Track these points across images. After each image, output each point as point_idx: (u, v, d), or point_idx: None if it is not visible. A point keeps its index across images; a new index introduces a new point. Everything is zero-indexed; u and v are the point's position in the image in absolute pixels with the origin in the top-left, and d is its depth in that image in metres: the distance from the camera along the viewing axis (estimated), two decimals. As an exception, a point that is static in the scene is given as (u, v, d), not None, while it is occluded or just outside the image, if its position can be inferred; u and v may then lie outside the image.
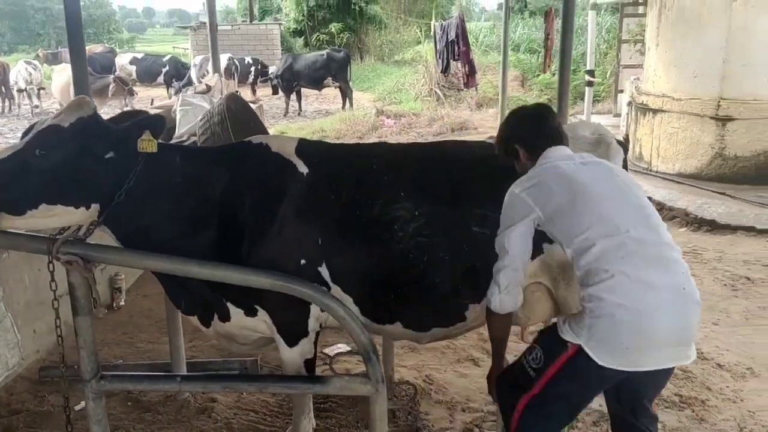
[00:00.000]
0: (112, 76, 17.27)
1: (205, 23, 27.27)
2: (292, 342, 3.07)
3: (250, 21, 29.39)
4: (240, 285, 2.78)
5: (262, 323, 3.06)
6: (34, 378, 4.30)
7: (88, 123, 2.76)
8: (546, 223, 2.57)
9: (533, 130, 2.79)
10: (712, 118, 8.59)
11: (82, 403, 3.97)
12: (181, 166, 2.96)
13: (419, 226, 2.97)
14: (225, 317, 3.08)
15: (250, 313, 3.03)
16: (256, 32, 26.65)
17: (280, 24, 27.87)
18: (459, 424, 3.83)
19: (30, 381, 4.27)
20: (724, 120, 8.52)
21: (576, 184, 2.54)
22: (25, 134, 2.81)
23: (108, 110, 16.77)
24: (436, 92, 17.27)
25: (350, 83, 18.17)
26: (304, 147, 3.13)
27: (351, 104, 18.08)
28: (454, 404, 4.03)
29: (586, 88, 12.04)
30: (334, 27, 29.05)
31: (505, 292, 2.65)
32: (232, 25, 27.37)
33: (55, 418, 3.85)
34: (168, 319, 3.94)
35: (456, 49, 13.83)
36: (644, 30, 11.21)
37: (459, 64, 14.95)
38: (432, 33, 15.77)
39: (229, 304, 3.04)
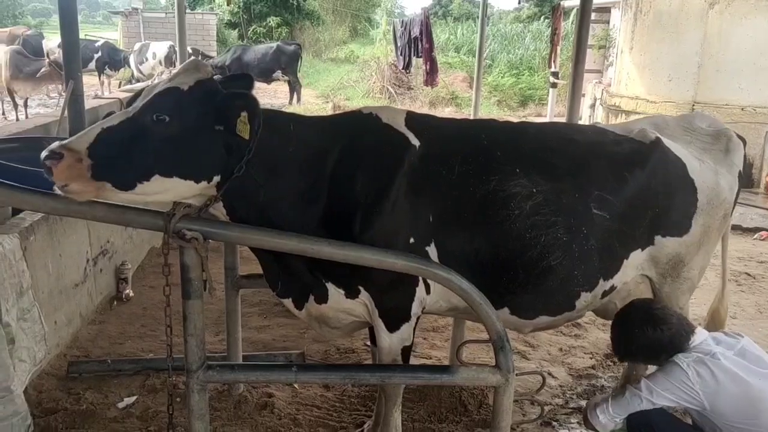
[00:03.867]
0: (46, 60, 16.18)
1: (137, 9, 26.30)
2: (393, 326, 2.87)
3: (178, 10, 28.34)
4: (349, 264, 2.55)
5: (361, 306, 2.85)
6: (61, 374, 3.88)
7: (209, 87, 2.47)
8: (706, 410, 2.65)
9: (662, 338, 2.76)
10: (686, 121, 8.90)
11: (126, 400, 3.67)
12: (295, 136, 2.71)
13: (537, 204, 2.83)
14: (322, 299, 2.86)
15: (352, 294, 2.82)
16: (191, 21, 25.67)
17: (216, 14, 27.05)
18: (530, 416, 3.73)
19: (57, 377, 3.84)
20: (697, 123, 8.85)
21: (752, 390, 2.59)
22: (130, 103, 2.50)
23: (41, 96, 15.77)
24: (388, 89, 17.18)
25: (299, 78, 17.81)
26: (413, 119, 2.93)
27: (299, 99, 17.73)
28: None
29: (550, 90, 12.27)
30: (272, 21, 28.48)
31: (614, 423, 2.84)
32: (166, 13, 26.30)
33: (97, 417, 3.48)
34: (227, 311, 3.65)
35: (419, 46, 13.78)
36: (609, 35, 11.53)
37: (420, 61, 14.89)
38: (390, 29, 15.64)
39: (329, 285, 2.82)
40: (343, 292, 2.83)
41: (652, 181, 3.03)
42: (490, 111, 16.55)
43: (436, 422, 3.60)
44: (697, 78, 8.88)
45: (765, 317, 5.26)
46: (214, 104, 2.43)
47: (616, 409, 2.78)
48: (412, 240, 2.75)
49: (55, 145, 2.25)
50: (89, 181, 2.27)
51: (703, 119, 3.43)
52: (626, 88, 9.82)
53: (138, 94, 2.53)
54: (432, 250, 2.79)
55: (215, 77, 2.58)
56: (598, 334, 4.74)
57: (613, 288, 3.13)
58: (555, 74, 11.84)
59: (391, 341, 2.90)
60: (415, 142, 2.82)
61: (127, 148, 2.32)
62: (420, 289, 2.84)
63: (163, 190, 2.43)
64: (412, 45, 14.19)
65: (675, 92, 9.07)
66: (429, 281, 2.85)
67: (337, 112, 14.73)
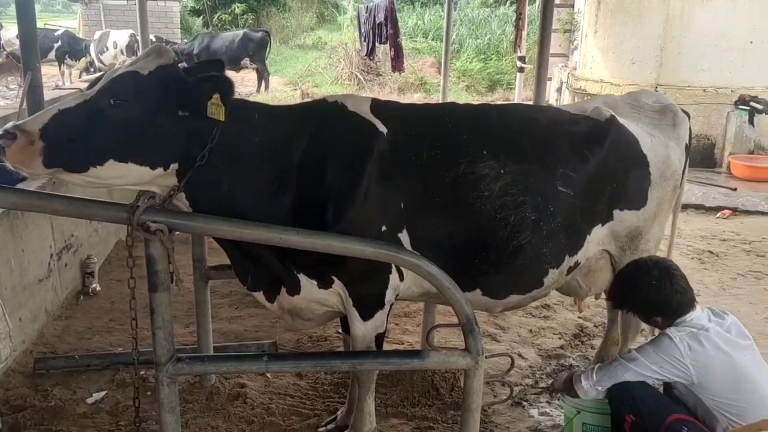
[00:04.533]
0: (4, 51, 15.77)
1: (97, -2, 25.69)
2: (367, 315, 2.88)
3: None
4: (321, 254, 2.54)
5: (334, 295, 2.86)
6: (27, 371, 3.81)
7: (170, 72, 2.44)
8: (693, 385, 2.69)
9: (672, 298, 2.80)
10: (650, 103, 9.03)
11: (95, 395, 3.63)
12: (260, 125, 2.68)
13: (506, 184, 2.86)
14: (295, 290, 2.85)
15: (325, 284, 2.82)
16: (153, 9, 25.13)
17: (179, 1, 26.54)
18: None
19: (24, 374, 3.78)
20: (661, 105, 8.98)
21: (736, 366, 2.65)
22: (92, 86, 2.45)
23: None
24: (357, 76, 17.10)
25: (267, 65, 17.62)
26: (378, 106, 2.93)
27: (267, 87, 17.55)
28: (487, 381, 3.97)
29: (517, 74, 12.33)
30: (237, 7, 28.05)
31: (596, 390, 2.87)
32: (127, 0, 25.74)
33: (66, 414, 3.44)
34: (197, 303, 3.62)
35: (384, 31, 13.69)
36: (574, 19, 11.61)
37: (386, 48, 14.82)
38: (356, 15, 15.51)
39: (301, 276, 2.81)
40: (315, 282, 2.82)
41: (609, 157, 3.10)
42: (458, 96, 16.56)
43: (408, 406, 3.62)
44: (660, 60, 9.00)
45: (728, 294, 5.38)
46: (178, 90, 2.41)
47: (601, 377, 2.83)
48: (384, 228, 2.76)
49: (9, 125, 2.23)
50: (40, 164, 2.25)
51: (648, 96, 3.53)
52: (591, 71, 9.92)
53: (98, 79, 2.49)
54: (404, 237, 2.80)
55: (180, 65, 2.55)
56: (567, 315, 4.82)
57: (577, 264, 3.20)
58: (522, 59, 11.90)
59: (365, 329, 2.91)
60: (383, 128, 2.82)
61: (82, 131, 2.30)
62: (393, 276, 2.86)
63: (117, 176, 2.41)
64: (377, 31, 14.09)
65: (638, 75, 9.18)
66: (403, 269, 2.87)
67: (305, 99, 14.63)
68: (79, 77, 16.55)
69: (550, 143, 3.02)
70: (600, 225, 3.17)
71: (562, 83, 11.62)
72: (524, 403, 3.70)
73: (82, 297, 4.89)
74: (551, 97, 12.14)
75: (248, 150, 2.63)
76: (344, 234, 2.64)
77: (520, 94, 12.33)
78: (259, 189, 2.66)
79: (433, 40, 22.86)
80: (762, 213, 7.34)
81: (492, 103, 13.15)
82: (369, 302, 2.88)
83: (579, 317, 4.75)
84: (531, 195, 2.90)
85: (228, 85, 2.40)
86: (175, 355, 2.56)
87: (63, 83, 16.02)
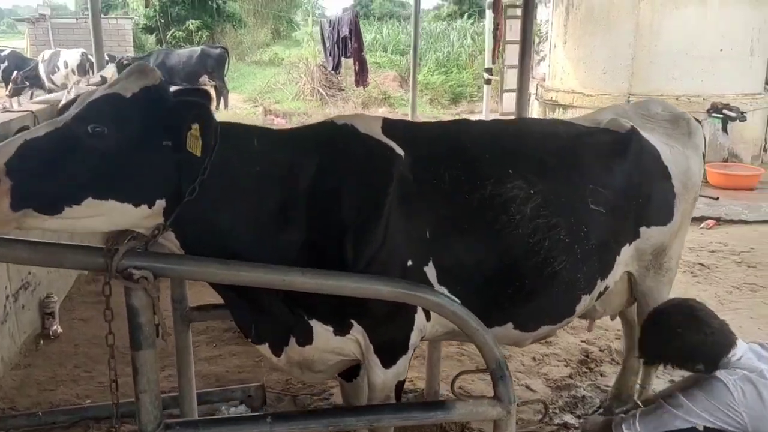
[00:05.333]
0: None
1: (44, 16, 24.87)
2: (389, 362, 2.55)
3: (92, 15, 27.07)
4: (338, 297, 2.23)
5: (352, 343, 2.51)
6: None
7: (157, 95, 2.08)
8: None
9: (704, 341, 2.56)
10: (623, 113, 8.95)
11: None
12: (261, 152, 2.33)
13: (537, 205, 2.58)
14: (307, 340, 2.48)
15: (342, 331, 2.47)
16: (105, 27, 24.39)
17: (131, 18, 25.90)
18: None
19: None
20: (634, 115, 8.91)
21: None
22: (63, 110, 2.09)
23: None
24: (318, 91, 16.79)
25: (226, 82, 17.17)
26: (390, 126, 2.61)
27: (226, 104, 17.09)
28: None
29: (485, 86, 12.19)
30: (191, 24, 27.52)
31: None
32: (77, 19, 24.98)
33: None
34: (178, 349, 3.23)
35: (348, 45, 13.45)
36: (539, 30, 11.54)
37: (348, 62, 14.58)
38: (319, 30, 15.21)
39: (314, 323, 2.45)
40: (331, 329, 2.46)
41: (634, 171, 2.87)
42: (423, 110, 16.39)
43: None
44: (632, 70, 8.94)
45: (727, 309, 5.21)
46: (162, 115, 2.05)
47: (646, 426, 2.55)
48: (410, 263, 2.43)
49: None
50: (8, 208, 1.87)
51: (657, 105, 3.33)
52: (561, 82, 9.82)
53: (70, 103, 2.12)
54: (431, 271, 2.48)
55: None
56: (569, 339, 4.56)
57: (607, 288, 2.96)
58: (488, 70, 11.76)
59: (385, 378, 2.57)
60: (400, 151, 2.50)
61: (55, 165, 1.92)
62: (419, 317, 2.53)
63: (95, 215, 2.03)
64: (341, 45, 13.85)
65: (610, 85, 9.10)
66: (426, 307, 2.55)
67: (268, 116, 14.25)
68: (31, 98, 15.82)
69: (575, 158, 2.76)
70: (628, 244, 2.92)
71: (529, 94, 11.50)
72: (541, 443, 3.41)
73: (42, 341, 4.42)
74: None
75: (248, 181, 2.28)
76: (366, 272, 2.33)
77: (488, 106, 12.17)
78: (261, 225, 2.30)
79: (392, 53, 22.77)
80: (745, 222, 7.27)
81: (459, 116, 13.02)
82: (392, 347, 2.54)
83: (582, 341, 4.51)
84: (564, 216, 2.63)
85: (209, 116, 2.06)
86: (162, 421, 2.20)
87: (11, 106, 15.29)
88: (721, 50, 8.77)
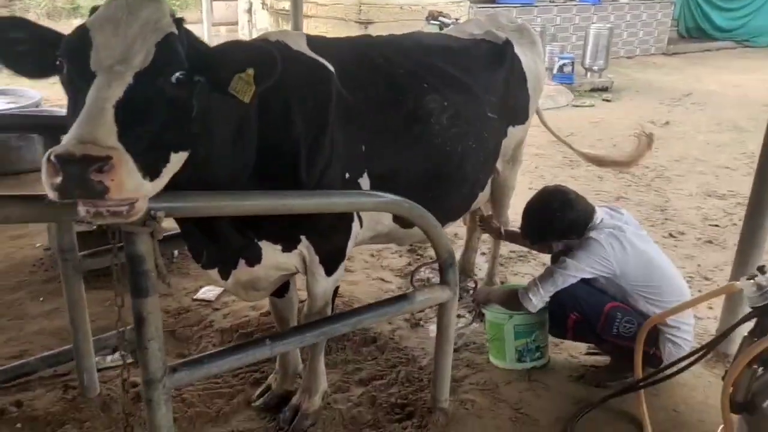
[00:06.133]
0: None
1: None
2: (332, 269, 2.73)
3: None
4: (291, 215, 2.31)
5: (296, 257, 2.63)
6: None
7: (181, 26, 1.86)
8: (616, 276, 3.07)
9: (578, 216, 3.13)
10: (355, 21, 9.47)
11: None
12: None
13: (451, 116, 2.90)
14: (256, 260, 2.55)
15: (290, 247, 2.57)
16: None
17: None
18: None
19: None
20: (365, 23, 9.49)
21: (645, 254, 3.11)
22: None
23: None
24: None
25: None
26: (315, 43, 2.64)
27: None
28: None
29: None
30: None
31: (543, 301, 3.14)
32: None
33: None
34: (70, 302, 2.92)
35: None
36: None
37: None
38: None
39: (263, 243, 2.52)
40: (279, 247, 2.54)
41: (509, 78, 3.31)
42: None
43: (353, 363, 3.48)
44: (359, -20, 9.41)
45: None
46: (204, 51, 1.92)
47: (547, 288, 3.09)
48: (347, 175, 2.58)
49: (74, 147, 1.46)
50: (146, 181, 1.62)
51: (503, 17, 3.80)
52: (293, -9, 9.87)
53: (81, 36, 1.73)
54: (365, 182, 2.67)
55: None
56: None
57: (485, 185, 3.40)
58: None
59: (326, 285, 2.75)
60: (331, 68, 2.57)
61: (151, 127, 1.68)
62: (355, 225, 2.71)
63: (171, 172, 1.80)
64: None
65: (342, -6, 9.49)
66: (361, 214, 2.72)
67: None
68: None
69: (471, 70, 3.09)
70: (501, 144, 3.39)
71: (251, 4, 11.35)
72: (420, 323, 3.85)
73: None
74: (241, 19, 11.81)
75: (211, 104, 2.16)
76: (317, 188, 2.43)
77: (209, 15, 11.60)
78: (224, 150, 2.21)
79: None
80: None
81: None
82: (333, 256, 2.71)
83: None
84: (471, 124, 2.97)
85: (274, 69, 1.91)
86: (167, 366, 2.11)
87: None
88: (433, -37, 9.69)
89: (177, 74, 1.74)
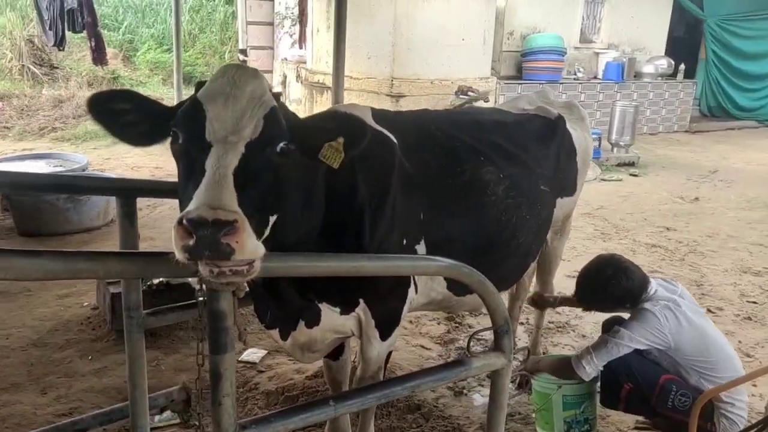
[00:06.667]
0: None
1: None
2: (386, 334, 2.78)
3: None
4: (351, 278, 2.34)
5: (352, 320, 2.70)
6: None
7: (281, 103, 2.01)
8: (670, 349, 3.13)
9: (633, 286, 3.20)
10: (387, 95, 9.78)
11: None
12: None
13: (507, 187, 3.01)
14: (315, 322, 2.63)
15: (348, 310, 2.65)
16: None
17: None
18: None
19: None
20: (397, 96, 9.79)
21: (700, 328, 3.16)
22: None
23: None
24: (29, 69, 14.81)
25: None
26: (378, 115, 2.80)
27: None
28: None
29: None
30: None
31: (597, 371, 3.19)
32: None
33: None
34: (131, 359, 2.95)
35: (76, 18, 12.10)
36: (291, 13, 11.80)
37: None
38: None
39: (322, 306, 2.60)
40: (338, 309, 2.62)
41: (560, 151, 3.43)
42: (156, 90, 15.56)
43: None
44: (392, 56, 9.76)
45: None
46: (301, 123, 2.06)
47: (601, 358, 3.12)
48: (405, 241, 2.67)
49: (205, 212, 1.56)
50: (259, 244, 1.71)
51: (551, 93, 3.96)
52: (327, 65, 10.25)
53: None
54: (421, 248, 2.75)
55: None
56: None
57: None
58: (243, 51, 11.68)
59: (380, 349, 2.79)
60: (394, 140, 2.71)
61: (259, 192, 1.81)
62: (411, 290, 2.78)
63: (266, 234, 1.91)
64: (65, 18, 12.43)
65: (374, 69, 9.83)
66: (416, 280, 2.79)
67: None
68: None
69: (525, 144, 3.22)
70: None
71: (285, 77, 11.79)
72: (464, 392, 3.86)
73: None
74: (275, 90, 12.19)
75: (294, 175, 2.28)
76: (378, 252, 2.52)
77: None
78: (297, 214, 2.32)
79: (104, 29, 20.88)
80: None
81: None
82: (389, 320, 2.77)
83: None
84: (525, 196, 3.08)
85: (363, 138, 2.04)
86: (237, 424, 2.15)
87: None
88: (463, 40, 10.06)
89: (281, 144, 1.86)
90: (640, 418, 3.46)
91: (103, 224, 6.48)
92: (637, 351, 3.14)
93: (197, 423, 2.24)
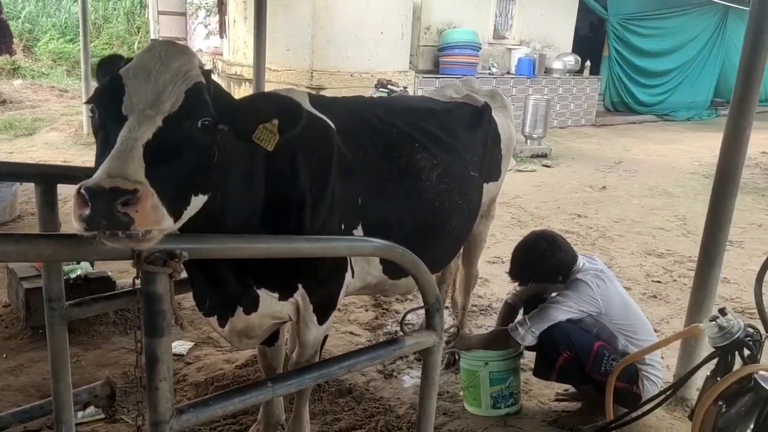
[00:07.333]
0: None
1: None
2: (324, 318, 2.80)
3: None
4: (291, 263, 2.41)
5: (290, 305, 2.70)
6: None
7: (210, 76, 1.98)
8: (600, 315, 3.31)
9: (565, 258, 3.37)
10: (307, 87, 9.73)
11: None
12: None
13: (440, 173, 3.08)
14: (252, 308, 2.62)
15: (286, 295, 2.65)
16: None
17: None
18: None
19: None
20: (317, 89, 9.74)
21: (622, 295, 3.43)
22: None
23: None
24: None
25: None
26: (316, 100, 2.81)
27: None
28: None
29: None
30: None
31: (532, 335, 3.30)
32: None
33: None
34: (53, 352, 2.84)
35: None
36: (207, 4, 11.56)
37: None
38: None
39: (261, 291, 2.60)
40: (276, 295, 2.62)
41: (487, 138, 3.54)
42: (60, 81, 14.88)
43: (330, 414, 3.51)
44: (312, 48, 9.73)
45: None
46: (229, 100, 2.03)
47: (536, 324, 3.26)
48: (343, 226, 2.70)
49: (103, 181, 1.51)
50: (170, 220, 1.67)
51: (475, 82, 4.08)
52: (245, 57, 10.12)
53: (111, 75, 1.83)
54: (358, 232, 2.79)
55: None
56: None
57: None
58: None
59: (317, 333, 2.81)
60: (332, 125, 2.73)
61: (175, 167, 1.75)
62: (348, 274, 2.81)
63: (189, 215, 1.87)
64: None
65: (294, 61, 9.77)
66: (353, 264, 2.83)
67: None
68: None
69: (455, 131, 3.31)
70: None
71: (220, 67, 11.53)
72: (394, 374, 3.93)
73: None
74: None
75: (228, 153, 2.27)
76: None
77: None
78: (236, 197, 2.31)
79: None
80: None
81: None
82: (326, 304, 2.79)
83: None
84: (457, 182, 3.17)
85: (298, 120, 2.03)
86: (174, 408, 2.13)
87: None
88: (382, 33, 10.15)
89: (203, 120, 1.83)
90: (561, 390, 3.64)
91: (9, 220, 6.15)
92: (570, 320, 3.30)
93: (137, 410, 2.18)
